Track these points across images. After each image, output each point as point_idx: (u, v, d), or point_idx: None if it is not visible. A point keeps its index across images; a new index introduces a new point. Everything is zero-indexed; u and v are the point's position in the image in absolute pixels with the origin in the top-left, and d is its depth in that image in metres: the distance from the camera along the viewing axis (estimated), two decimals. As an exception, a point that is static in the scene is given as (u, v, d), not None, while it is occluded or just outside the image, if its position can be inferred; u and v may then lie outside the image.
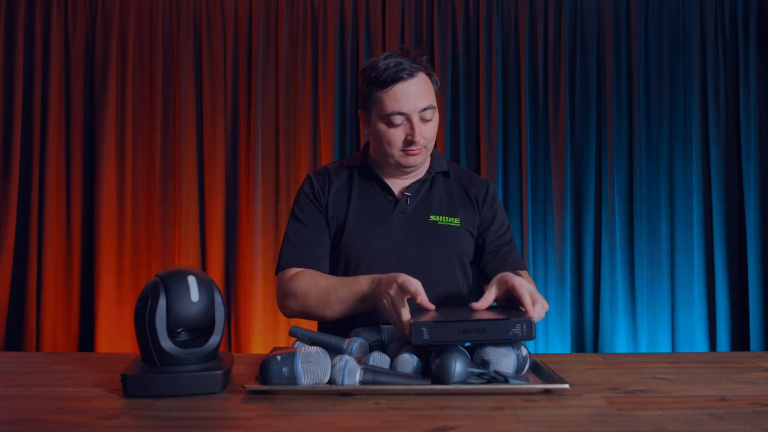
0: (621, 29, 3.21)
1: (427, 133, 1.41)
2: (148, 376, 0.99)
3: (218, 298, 1.05)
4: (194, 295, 1.01)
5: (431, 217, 1.46)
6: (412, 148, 1.40)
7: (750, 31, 3.17)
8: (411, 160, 1.42)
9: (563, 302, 3.10)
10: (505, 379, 1.02)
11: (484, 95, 3.15)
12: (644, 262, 3.14)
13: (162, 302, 0.99)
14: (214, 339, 1.04)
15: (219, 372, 1.01)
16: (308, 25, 3.20)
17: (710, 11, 3.20)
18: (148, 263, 3.15)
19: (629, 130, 3.19)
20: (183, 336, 1.05)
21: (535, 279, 3.14)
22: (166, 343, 0.99)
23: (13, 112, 3.14)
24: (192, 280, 1.02)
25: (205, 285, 1.04)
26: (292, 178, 3.18)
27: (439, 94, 3.22)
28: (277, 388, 1.00)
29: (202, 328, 1.05)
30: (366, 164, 1.51)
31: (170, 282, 1.01)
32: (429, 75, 1.43)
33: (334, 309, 1.35)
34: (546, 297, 3.11)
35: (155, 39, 3.18)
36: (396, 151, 1.41)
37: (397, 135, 1.40)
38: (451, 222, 1.47)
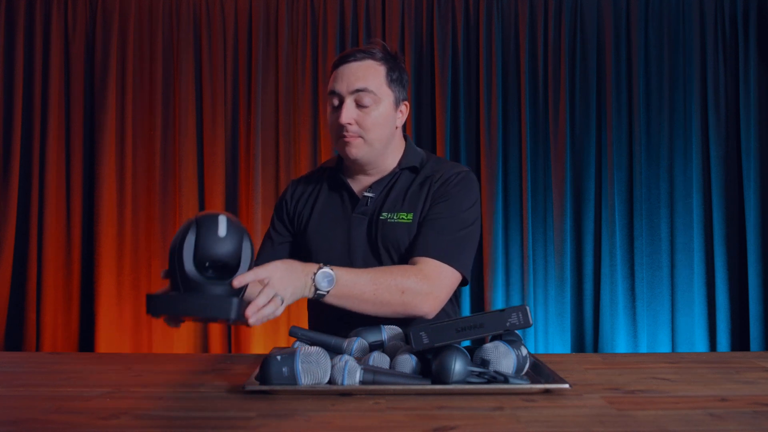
0: (621, 29, 3.21)
1: (364, 120, 1.37)
2: (169, 295, 1.02)
3: (247, 243, 1.07)
4: (222, 230, 1.03)
5: (382, 215, 1.42)
6: (344, 133, 1.38)
7: (750, 31, 3.17)
8: (347, 151, 1.39)
9: (563, 302, 3.10)
10: (505, 379, 1.02)
11: (484, 95, 3.15)
12: (644, 262, 3.14)
13: (191, 235, 1.02)
14: (240, 271, 1.06)
15: (235, 298, 1.02)
16: (308, 25, 3.20)
17: (710, 11, 3.20)
18: (148, 263, 3.15)
19: (629, 130, 3.19)
20: (210, 273, 1.06)
21: (535, 279, 3.14)
22: (190, 268, 1.01)
23: (13, 112, 3.14)
24: (222, 219, 1.05)
25: (235, 226, 1.06)
26: (292, 178, 3.17)
27: (439, 94, 3.19)
28: (277, 388, 1.00)
29: (228, 268, 1.06)
30: (336, 167, 1.52)
31: (202, 219, 1.05)
32: (389, 68, 1.41)
33: None
34: (546, 297, 3.12)
35: (155, 39, 3.18)
36: (335, 137, 1.41)
37: (333, 117, 1.40)
38: (401, 218, 1.40)
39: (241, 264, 1.05)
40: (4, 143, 3.14)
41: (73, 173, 3.15)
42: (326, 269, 1.21)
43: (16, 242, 3.10)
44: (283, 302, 1.12)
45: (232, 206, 3.19)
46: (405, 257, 1.39)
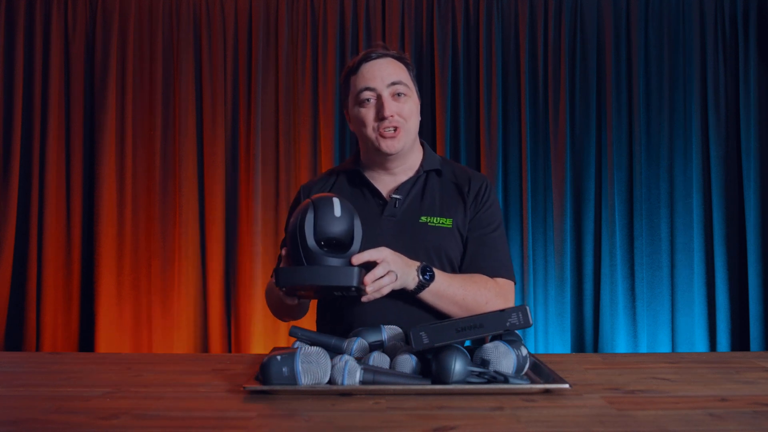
0: (621, 29, 3.21)
1: (402, 110, 1.40)
2: (296, 267, 1.13)
3: (358, 222, 1.19)
4: (337, 211, 1.15)
5: (421, 218, 1.43)
6: (385, 125, 1.38)
7: (750, 31, 3.17)
8: (388, 144, 1.40)
9: (563, 302, 3.10)
10: (505, 379, 1.02)
11: (484, 95, 3.15)
12: (644, 262, 3.14)
13: (310, 215, 1.14)
14: (354, 247, 1.16)
15: (355, 267, 1.11)
16: (308, 25, 3.20)
17: (710, 11, 3.20)
18: (148, 263, 3.15)
19: (629, 130, 3.19)
20: (327, 250, 1.15)
21: (535, 279, 3.14)
22: (312, 244, 1.11)
23: (13, 112, 3.14)
24: (336, 201, 1.16)
25: (348, 208, 1.16)
26: (292, 178, 3.18)
27: (439, 94, 3.19)
28: (277, 388, 1.00)
29: (343, 245, 1.16)
30: (355, 168, 1.51)
31: (318, 201, 1.16)
32: (405, 64, 1.46)
33: (272, 307, 1.46)
34: (546, 297, 3.12)
35: (155, 39, 3.19)
36: (372, 133, 1.41)
37: (369, 113, 1.40)
38: (442, 223, 1.43)
39: (354, 241, 1.15)
40: (4, 143, 3.14)
41: (73, 173, 3.15)
42: (427, 265, 1.29)
43: (16, 242, 3.11)
44: (396, 278, 1.20)
45: (232, 206, 3.19)
46: (445, 262, 1.42)
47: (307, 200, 1.18)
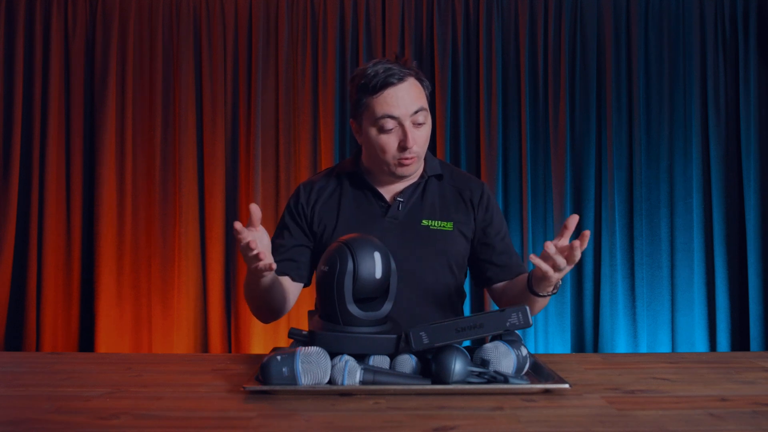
0: (621, 29, 3.21)
1: (420, 138, 1.39)
2: (335, 334, 1.09)
3: (393, 267, 1.16)
4: (378, 272, 1.11)
5: (423, 221, 1.46)
6: (406, 155, 1.38)
7: (750, 31, 3.17)
8: (405, 171, 1.42)
9: (563, 302, 3.10)
10: (505, 379, 1.02)
11: (484, 95, 3.15)
12: (644, 262, 3.14)
13: (350, 272, 1.10)
14: (387, 306, 1.14)
15: (393, 336, 1.10)
16: (308, 25, 3.20)
17: (710, 11, 3.20)
18: (148, 263, 3.15)
19: (629, 130, 3.19)
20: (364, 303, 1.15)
21: (535, 279, 3.13)
22: (352, 308, 1.09)
23: (13, 112, 3.14)
24: (378, 258, 1.12)
25: (386, 260, 1.13)
26: (292, 178, 3.18)
27: (439, 94, 3.19)
28: (277, 388, 1.00)
29: (377, 296, 1.16)
30: (356, 171, 1.51)
31: (358, 256, 1.11)
32: (420, 80, 1.42)
33: (252, 303, 1.43)
34: (546, 297, 3.11)
35: (155, 39, 3.18)
36: (390, 159, 1.40)
37: (390, 141, 1.38)
38: (443, 226, 1.46)
39: (390, 291, 1.14)
40: (4, 143, 3.14)
41: (73, 173, 3.15)
42: None
43: (16, 242, 3.10)
44: None
45: (232, 206, 3.19)
46: (446, 265, 1.46)
47: (339, 244, 1.12)
